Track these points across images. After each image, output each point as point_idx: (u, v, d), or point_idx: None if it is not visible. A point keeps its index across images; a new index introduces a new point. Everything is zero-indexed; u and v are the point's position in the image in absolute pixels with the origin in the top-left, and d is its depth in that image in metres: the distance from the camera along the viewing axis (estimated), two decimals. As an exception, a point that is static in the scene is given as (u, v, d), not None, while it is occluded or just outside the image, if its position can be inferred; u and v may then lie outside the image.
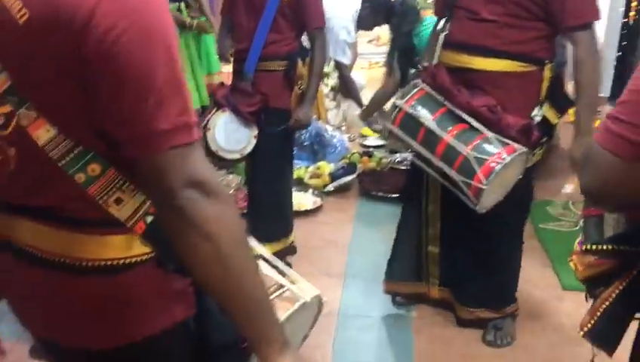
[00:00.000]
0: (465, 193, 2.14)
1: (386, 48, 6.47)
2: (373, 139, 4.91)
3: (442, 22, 2.34)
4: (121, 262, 0.95)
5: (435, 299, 2.64)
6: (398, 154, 4.28)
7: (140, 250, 0.95)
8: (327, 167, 4.15)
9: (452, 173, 2.15)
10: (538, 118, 2.23)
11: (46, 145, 0.87)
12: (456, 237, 2.48)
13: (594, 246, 1.15)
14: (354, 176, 4.07)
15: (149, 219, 0.93)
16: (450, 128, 2.16)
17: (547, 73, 2.21)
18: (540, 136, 2.21)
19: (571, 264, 1.22)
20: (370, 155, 4.41)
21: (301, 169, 4.13)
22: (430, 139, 2.19)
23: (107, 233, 0.94)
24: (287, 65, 2.70)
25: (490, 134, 2.12)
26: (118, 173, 0.90)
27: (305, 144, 4.39)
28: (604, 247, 1.13)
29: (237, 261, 0.89)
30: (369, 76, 5.97)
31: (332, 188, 3.99)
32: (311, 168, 4.18)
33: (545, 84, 2.22)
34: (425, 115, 2.19)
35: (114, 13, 0.78)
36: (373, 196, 3.92)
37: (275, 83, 2.70)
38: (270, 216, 2.87)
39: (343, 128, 5.13)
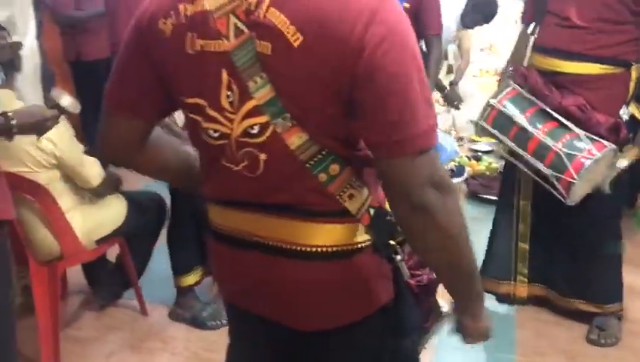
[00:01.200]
0: (556, 187, 2.26)
1: (496, 57, 6.51)
2: (483, 144, 4.97)
3: (532, 26, 2.46)
4: (348, 248, 1.06)
5: (522, 298, 2.70)
6: (507, 160, 4.33)
7: (361, 237, 1.07)
8: (435, 168, 4.26)
9: (543, 168, 2.27)
10: (626, 117, 2.34)
11: (297, 149, 0.99)
12: (548, 231, 2.57)
13: None
14: (462, 178, 4.17)
15: (372, 211, 1.06)
16: (542, 126, 2.30)
17: (634, 74, 2.31)
18: (628, 133, 2.31)
19: None
20: (479, 159, 4.49)
21: (410, 169, 4.28)
22: (522, 136, 2.32)
23: (337, 222, 1.05)
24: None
25: (580, 132, 2.24)
26: (352, 172, 1.03)
27: (414, 145, 4.53)
28: None
29: (464, 245, 1.02)
30: (479, 83, 6.02)
31: (440, 190, 4.10)
32: (419, 169, 4.32)
33: (632, 85, 2.32)
34: (517, 113, 2.34)
35: (381, 34, 0.91)
36: (481, 198, 4.00)
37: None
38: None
39: (452, 133, 5.22)
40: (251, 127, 1.00)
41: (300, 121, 0.98)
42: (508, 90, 2.41)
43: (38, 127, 1.85)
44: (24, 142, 2.16)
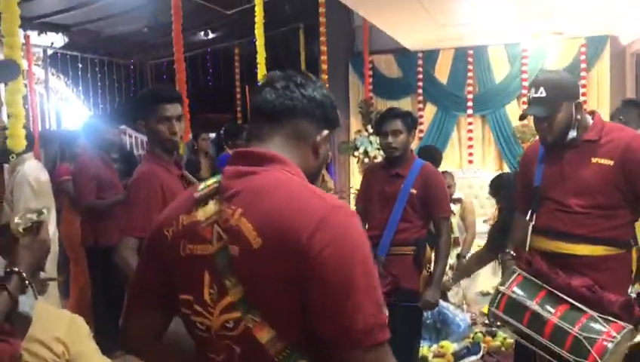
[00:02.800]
0: None
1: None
2: (496, 318, 4.90)
3: (529, 212, 2.54)
4: None
5: None
6: (522, 335, 4.24)
7: None
8: (450, 346, 4.18)
9: (564, 354, 2.23)
10: (633, 295, 2.37)
11: (266, 344, 1.08)
12: None
13: None
14: (479, 356, 4.06)
15: None
16: (554, 309, 2.30)
17: (634, 255, 2.39)
18: None
19: None
20: (493, 335, 4.41)
21: (424, 347, 4.19)
22: (536, 321, 2.31)
23: None
24: (415, 250, 2.97)
25: (594, 313, 2.24)
26: None
27: (427, 322, 4.48)
28: None
29: None
30: (486, 254, 6.08)
31: (456, 369, 3.99)
32: (434, 347, 4.23)
33: (634, 265, 2.39)
34: (527, 299, 2.35)
35: (326, 239, 1.04)
36: (500, 377, 3.87)
37: (405, 265, 2.97)
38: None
39: (464, 307, 5.18)
40: (227, 321, 1.12)
41: (266, 317, 1.08)
42: (514, 276, 2.45)
43: (41, 258, 1.59)
44: (35, 345, 2.14)
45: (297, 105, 1.21)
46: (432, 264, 3.02)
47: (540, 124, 2.41)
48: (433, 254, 3.04)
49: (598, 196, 2.34)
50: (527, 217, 2.57)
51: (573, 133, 2.40)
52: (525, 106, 2.55)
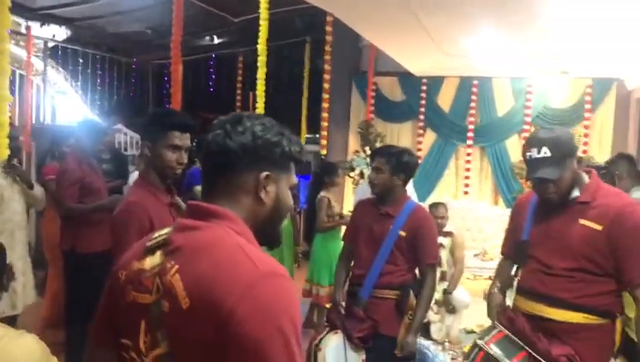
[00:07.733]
0: None
1: (491, 263, 6.55)
2: (477, 360, 4.79)
3: (514, 268, 2.50)
4: None
5: None
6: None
7: None
8: (428, 387, 4.07)
9: None
10: None
11: None
12: None
13: None
14: (456, 400, 3.95)
15: None
16: None
17: (618, 326, 2.28)
18: None
19: None
20: (473, 378, 4.30)
21: (401, 386, 4.08)
22: None
23: None
24: (399, 295, 2.85)
25: None
26: None
27: None
28: None
29: None
30: (472, 288, 5.99)
31: (434, 411, 3.87)
32: (411, 387, 4.11)
33: (617, 337, 2.27)
34: (504, 358, 2.26)
35: (247, 309, 1.02)
36: None
37: (387, 311, 2.84)
38: None
39: (447, 344, 5.07)
40: None
41: None
42: (494, 332, 2.37)
43: None
44: None
45: (231, 157, 1.19)
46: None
47: (544, 184, 2.25)
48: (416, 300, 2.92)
49: (582, 259, 2.22)
50: (513, 272, 2.51)
51: (576, 193, 2.28)
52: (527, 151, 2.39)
